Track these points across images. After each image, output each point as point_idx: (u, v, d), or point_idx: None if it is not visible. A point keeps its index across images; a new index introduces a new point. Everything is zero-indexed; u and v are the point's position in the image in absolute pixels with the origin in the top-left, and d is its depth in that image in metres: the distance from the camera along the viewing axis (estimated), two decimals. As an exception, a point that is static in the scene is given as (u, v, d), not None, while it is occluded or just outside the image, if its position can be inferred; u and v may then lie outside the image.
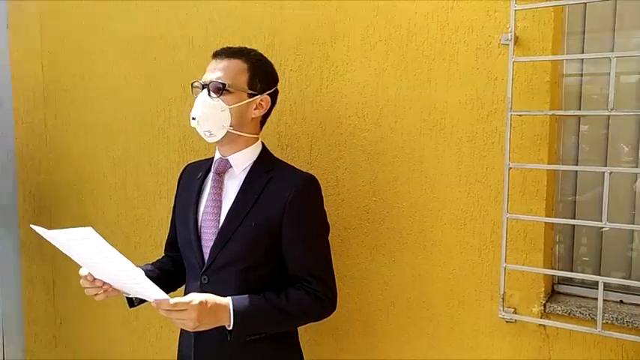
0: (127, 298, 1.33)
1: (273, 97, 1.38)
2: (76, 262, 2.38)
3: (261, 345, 1.26)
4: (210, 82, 1.27)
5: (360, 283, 1.61)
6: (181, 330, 1.42)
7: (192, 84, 1.34)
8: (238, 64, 1.30)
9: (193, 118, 1.28)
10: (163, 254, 1.57)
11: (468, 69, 1.40)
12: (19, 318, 2.62)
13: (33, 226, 1.12)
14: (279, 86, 1.69)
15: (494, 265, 1.42)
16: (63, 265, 2.43)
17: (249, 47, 1.37)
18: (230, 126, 1.28)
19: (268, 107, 1.36)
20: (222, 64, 1.30)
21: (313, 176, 1.36)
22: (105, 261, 1.09)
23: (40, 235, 2.54)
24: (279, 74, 1.66)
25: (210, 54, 1.82)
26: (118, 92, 2.13)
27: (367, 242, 1.59)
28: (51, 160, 2.41)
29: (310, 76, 1.64)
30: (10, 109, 2.55)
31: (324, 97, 1.62)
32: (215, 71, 1.29)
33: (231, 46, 1.36)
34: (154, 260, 1.53)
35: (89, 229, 1.00)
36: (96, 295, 1.22)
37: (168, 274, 1.45)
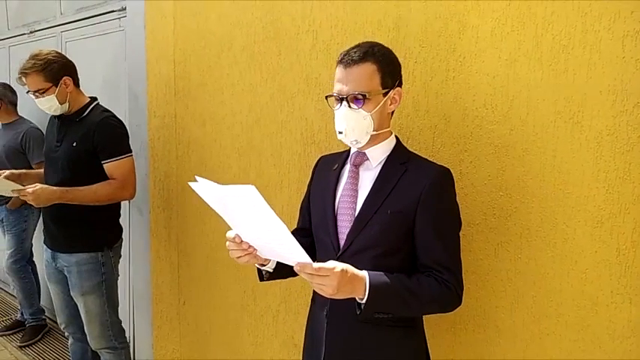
0: (258, 270, 1.42)
1: (401, 83, 1.41)
2: (199, 246, 2.56)
3: (393, 331, 1.29)
4: (349, 94, 1.31)
5: (483, 279, 1.58)
6: (312, 313, 1.49)
7: (327, 97, 1.40)
8: (369, 68, 1.31)
9: (340, 132, 1.34)
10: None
11: (612, 58, 1.32)
12: (148, 295, 2.87)
13: (196, 178, 1.19)
14: (403, 79, 1.72)
15: (635, 266, 1.33)
16: (187, 248, 2.63)
17: (369, 42, 1.38)
18: (373, 130, 1.33)
19: (401, 97, 1.39)
20: (354, 71, 1.31)
21: (448, 169, 1.38)
22: (259, 221, 1.15)
23: (167, 218, 2.74)
24: (402, 67, 1.68)
25: (334, 50, 1.89)
26: (243, 86, 2.26)
27: (492, 238, 1.56)
28: (179, 151, 2.62)
29: (435, 68, 1.64)
30: (145, 103, 2.79)
31: (450, 88, 1.61)
32: (349, 81, 1.32)
33: (354, 49, 1.35)
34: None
35: (251, 187, 1.06)
36: (239, 257, 1.28)
37: None
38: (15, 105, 3.57)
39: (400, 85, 1.40)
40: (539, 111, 1.44)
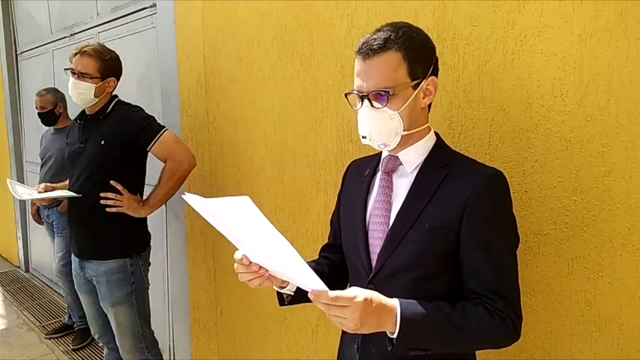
0: (278, 294, 1.22)
1: (436, 70, 1.14)
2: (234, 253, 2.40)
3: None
4: (369, 92, 1.08)
5: (553, 301, 1.32)
6: (343, 339, 1.28)
7: (346, 94, 1.16)
8: (392, 57, 1.06)
9: (364, 137, 1.12)
10: (319, 255, 1.43)
11: None
12: (186, 304, 2.75)
13: (186, 195, 1.00)
14: (451, 64, 1.46)
15: None
16: (223, 255, 2.48)
17: (392, 25, 1.11)
18: (404, 130, 1.09)
19: (436, 88, 1.14)
20: (374, 63, 1.07)
21: (500, 172, 1.10)
22: (261, 238, 0.95)
23: (203, 223, 2.60)
24: (451, 49, 1.43)
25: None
26: (275, 80, 2.07)
27: (564, 251, 1.29)
28: (213, 152, 2.46)
29: (490, 50, 1.38)
30: (177, 102, 2.66)
31: (509, 73, 1.35)
32: (369, 76, 1.07)
33: (373, 35, 1.10)
34: (309, 260, 1.41)
35: (245, 199, 0.86)
36: (250, 280, 1.09)
37: (322, 275, 1.31)
38: (66, 110, 3.56)
39: (435, 73, 1.13)
40: (624, 97, 1.16)
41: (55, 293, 4.62)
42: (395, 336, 0.97)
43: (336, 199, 1.38)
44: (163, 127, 2.20)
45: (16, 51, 4.99)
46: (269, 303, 2.21)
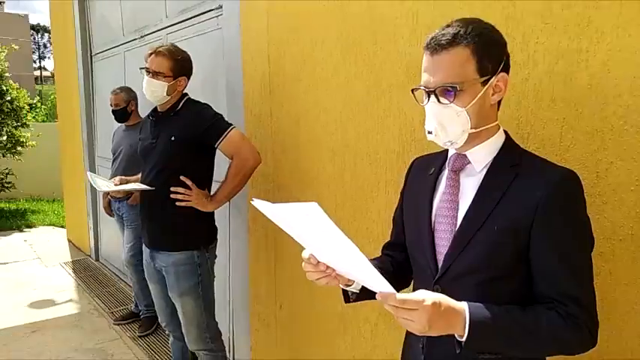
0: (343, 291, 1.24)
1: (507, 67, 1.11)
2: (295, 249, 2.45)
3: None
4: (436, 87, 1.07)
5: (630, 311, 1.27)
6: (408, 338, 1.28)
7: (412, 90, 1.15)
8: (461, 53, 1.05)
9: (429, 132, 1.11)
10: (381, 253, 1.44)
11: None
12: (246, 297, 2.83)
13: (254, 200, 1.04)
14: (521, 62, 1.43)
15: None
16: (284, 250, 2.53)
17: (462, 21, 1.09)
18: (471, 128, 1.08)
19: (507, 85, 1.11)
20: (442, 59, 1.06)
21: (573, 172, 1.07)
22: (328, 242, 0.98)
23: (264, 218, 2.67)
24: (520, 48, 1.40)
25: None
26: (338, 80, 2.10)
27: (640, 257, 1.24)
28: (275, 150, 2.52)
29: (563, 48, 1.34)
30: (242, 101, 2.74)
31: (582, 72, 1.30)
32: (437, 71, 1.07)
33: (442, 31, 1.08)
34: (371, 258, 1.42)
35: (314, 205, 0.90)
36: (318, 279, 1.12)
37: (386, 274, 1.32)
38: (137, 107, 3.74)
39: (506, 69, 1.11)
40: None
41: (123, 282, 4.87)
42: (464, 339, 0.96)
43: (397, 198, 1.39)
44: (231, 124, 2.28)
45: (90, 53, 5.29)
46: (329, 299, 2.24)
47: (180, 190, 2.19)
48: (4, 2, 31.24)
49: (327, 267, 1.09)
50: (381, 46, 1.88)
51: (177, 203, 2.20)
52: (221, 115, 2.32)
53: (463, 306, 0.98)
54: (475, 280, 1.06)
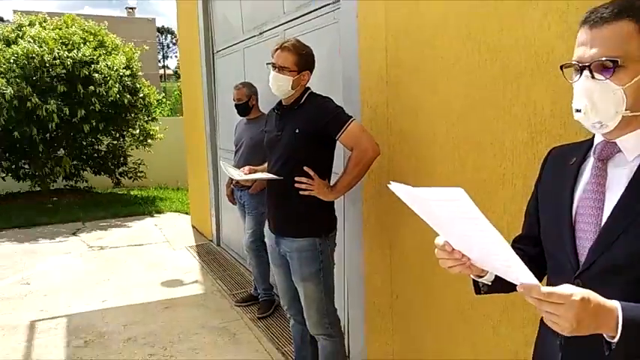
0: (474, 282, 1.22)
1: None
2: (412, 240, 2.44)
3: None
4: (593, 60, 0.99)
5: None
6: (540, 337, 1.23)
7: (561, 66, 1.08)
8: (625, 27, 0.97)
9: (578, 110, 1.03)
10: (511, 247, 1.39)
11: None
12: (361, 287, 2.88)
13: (392, 184, 1.05)
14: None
15: None
16: (400, 241, 2.54)
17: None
18: (626, 109, 0.99)
19: None
20: (603, 32, 0.98)
21: None
22: (470, 229, 0.96)
23: (379, 210, 2.69)
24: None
25: (573, 15, 1.54)
26: (459, 69, 2.05)
27: None
28: (391, 141, 2.53)
29: None
30: (358, 94, 2.78)
31: None
32: (595, 44, 0.99)
33: (606, 5, 1.01)
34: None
35: (459, 190, 0.88)
36: (451, 267, 1.11)
37: None
38: (257, 102, 3.95)
39: None
40: None
41: (242, 266, 5.18)
42: (615, 340, 0.90)
43: (525, 191, 1.33)
44: (351, 117, 2.33)
45: (212, 50, 5.65)
46: (447, 291, 2.22)
47: (304, 179, 2.29)
48: (135, 8, 34.37)
49: (463, 255, 1.08)
50: (508, 32, 1.80)
51: (301, 192, 2.30)
52: (342, 108, 2.37)
53: (614, 304, 0.91)
54: (623, 280, 0.99)
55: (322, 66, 3.23)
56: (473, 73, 1.97)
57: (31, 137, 7.93)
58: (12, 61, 7.69)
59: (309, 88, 2.47)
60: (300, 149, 2.34)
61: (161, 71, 46.29)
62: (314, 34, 3.34)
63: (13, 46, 7.94)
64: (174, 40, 58.55)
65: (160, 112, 10.54)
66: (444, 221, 1.04)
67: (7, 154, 8.24)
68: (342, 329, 3.05)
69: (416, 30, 2.28)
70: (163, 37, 58.89)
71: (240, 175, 2.66)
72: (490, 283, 1.17)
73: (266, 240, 2.63)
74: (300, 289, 2.44)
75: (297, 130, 2.34)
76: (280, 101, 2.50)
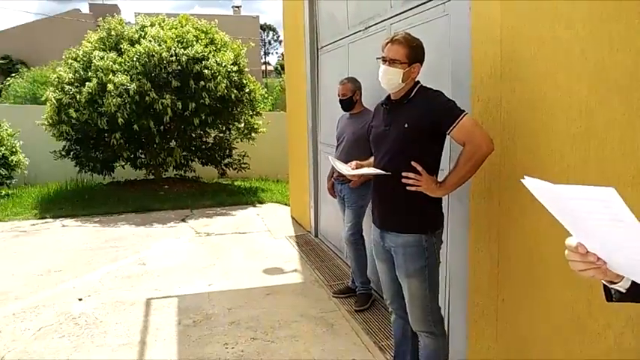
0: (605, 288, 1.13)
1: None
2: (523, 242, 2.33)
3: None
4: None
5: None
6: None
7: None
8: None
9: None
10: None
11: None
12: (464, 287, 2.80)
13: (525, 178, 1.02)
14: None
15: None
16: (509, 241, 2.43)
17: None
18: None
19: None
20: None
21: None
22: (616, 232, 0.90)
23: (488, 208, 2.59)
24: None
25: None
26: (584, 62, 1.91)
27: None
28: (504, 137, 2.42)
29: None
30: (468, 87, 2.69)
31: None
32: None
33: None
34: None
35: (611, 190, 0.84)
36: (582, 270, 1.05)
37: None
38: (361, 97, 3.99)
39: None
40: None
41: (339, 258, 5.25)
42: None
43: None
44: (463, 111, 2.26)
45: (317, 46, 5.76)
46: (561, 298, 2.09)
47: (411, 175, 2.26)
48: (240, 6, 35.92)
49: (598, 258, 1.01)
50: (645, 20, 1.65)
51: (408, 188, 2.28)
52: (454, 102, 2.32)
53: None
54: None
55: (429, 59, 3.16)
56: (600, 67, 1.84)
57: (149, 129, 8.59)
58: (135, 59, 8.38)
59: (419, 82, 2.43)
60: (408, 144, 2.31)
61: (262, 67, 48.05)
62: (422, 28, 3.28)
63: (136, 45, 8.64)
64: (275, 37, 60.48)
65: (263, 107, 10.91)
66: (583, 222, 0.98)
67: (128, 145, 8.99)
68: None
69: (535, 21, 2.16)
70: (265, 34, 60.98)
71: (348, 169, 2.68)
72: (624, 291, 1.09)
73: (371, 234, 2.63)
74: (405, 285, 2.42)
75: (406, 125, 2.31)
76: (389, 95, 2.48)
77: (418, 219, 2.35)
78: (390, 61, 2.35)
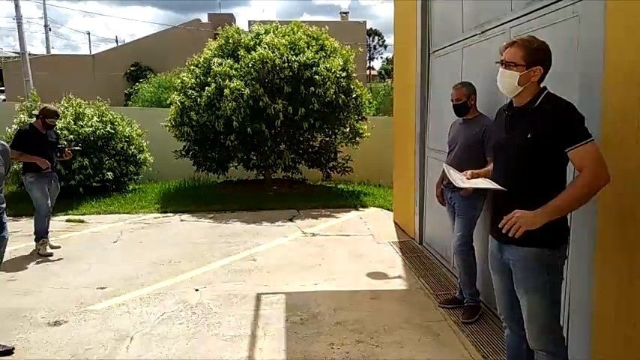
0: None
1: None
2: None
3: None
4: None
5: None
6: None
7: None
8: None
9: None
10: None
11: None
12: (587, 309, 2.61)
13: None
14: None
15: None
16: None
17: None
18: None
19: None
20: None
21: None
22: None
23: (620, 222, 2.40)
24: None
25: None
26: None
27: None
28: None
29: None
30: (599, 92, 2.51)
31: None
32: None
33: None
34: None
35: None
36: None
37: None
38: (476, 102, 3.87)
39: None
40: None
41: (444, 267, 5.12)
42: None
43: None
44: (590, 135, 2.12)
45: (429, 51, 5.68)
46: None
47: (507, 224, 2.18)
48: (348, 12, 36.44)
49: None
50: None
51: (510, 234, 2.19)
52: (584, 120, 2.16)
53: None
54: None
55: (553, 65, 3.00)
56: None
57: (261, 132, 9.01)
58: (250, 65, 8.84)
59: (545, 88, 2.29)
60: (529, 156, 2.20)
61: (367, 72, 48.25)
62: (543, 31, 3.12)
63: (252, 52, 9.11)
64: (380, 42, 60.41)
65: (368, 112, 10.96)
66: None
67: (241, 147, 9.48)
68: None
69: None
70: (370, 39, 61.14)
71: (462, 180, 2.60)
72: None
73: (489, 245, 2.52)
74: (523, 301, 2.30)
75: (529, 135, 2.19)
76: (511, 101, 2.38)
77: (540, 232, 2.19)
78: (506, 64, 2.26)
